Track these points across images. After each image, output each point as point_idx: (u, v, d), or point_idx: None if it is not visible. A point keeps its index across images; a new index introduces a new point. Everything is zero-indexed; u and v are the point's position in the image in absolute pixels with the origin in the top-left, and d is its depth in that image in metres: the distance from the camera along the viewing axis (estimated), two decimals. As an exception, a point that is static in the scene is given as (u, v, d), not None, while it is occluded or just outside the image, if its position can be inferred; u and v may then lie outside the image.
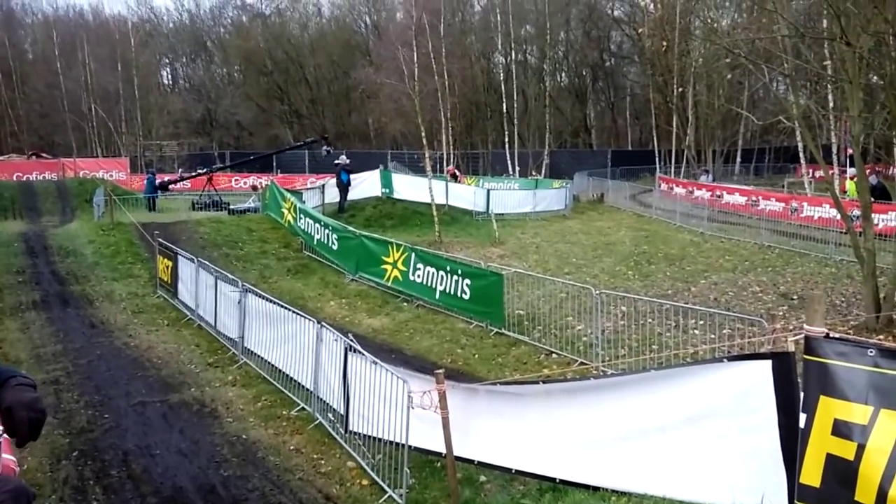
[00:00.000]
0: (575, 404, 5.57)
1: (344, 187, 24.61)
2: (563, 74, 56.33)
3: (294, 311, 9.74)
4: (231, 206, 26.42)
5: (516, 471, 6.12)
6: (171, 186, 33.54)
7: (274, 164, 43.26)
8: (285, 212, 21.01)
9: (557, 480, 5.69)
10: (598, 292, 10.72)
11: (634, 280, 15.69)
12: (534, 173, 42.95)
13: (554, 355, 10.89)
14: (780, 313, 12.11)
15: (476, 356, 11.20)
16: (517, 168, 45.12)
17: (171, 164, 45.74)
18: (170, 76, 64.26)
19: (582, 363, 10.26)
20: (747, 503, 4.32)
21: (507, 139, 46.40)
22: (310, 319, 9.18)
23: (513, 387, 6.68)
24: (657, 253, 18.88)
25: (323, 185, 25.90)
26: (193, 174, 34.19)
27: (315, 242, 18.50)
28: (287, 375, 9.61)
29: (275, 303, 10.33)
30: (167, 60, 63.23)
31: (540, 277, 13.46)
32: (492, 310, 12.30)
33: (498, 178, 38.37)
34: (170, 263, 14.72)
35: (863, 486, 3.81)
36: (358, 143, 54.35)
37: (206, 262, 13.45)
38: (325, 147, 31.99)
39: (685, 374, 4.96)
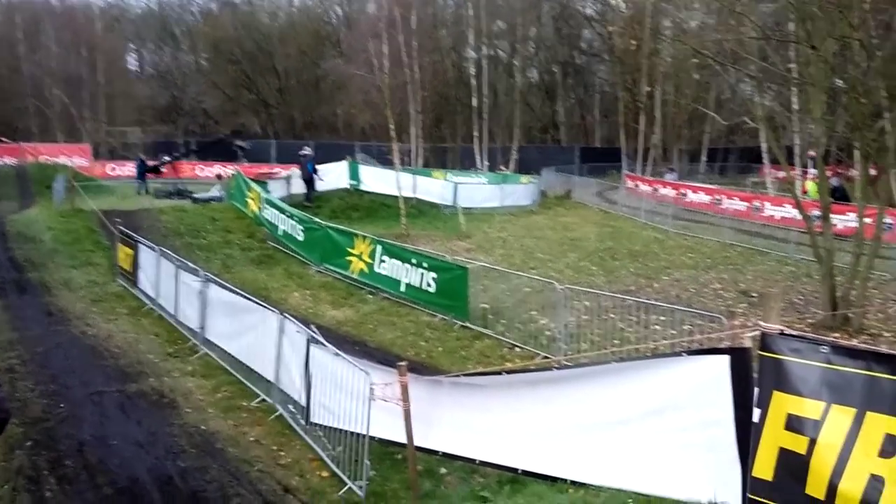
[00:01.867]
0: (537, 396, 5.61)
1: (310, 178, 24.39)
2: (534, 70, 56.46)
3: (256, 302, 9.64)
4: (195, 195, 26.07)
5: (480, 461, 6.13)
6: (161, 170, 32.87)
7: (239, 153, 42.76)
8: (250, 202, 20.81)
9: (519, 471, 5.72)
10: (562, 287, 10.77)
11: (599, 276, 15.80)
12: (502, 168, 43.04)
13: (517, 349, 10.95)
14: (740, 310, 12.31)
15: (440, 349, 11.20)
16: (486, 162, 45.18)
17: (134, 151, 44.92)
18: (136, 62, 63.12)
19: (545, 357, 10.32)
20: (701, 496, 4.38)
21: (476, 133, 46.38)
22: (272, 310, 9.10)
23: (476, 378, 6.69)
24: (622, 249, 19.05)
25: (289, 176, 25.69)
26: (175, 157, 33.77)
27: (280, 233, 18.35)
28: (248, 366, 9.52)
29: (237, 293, 10.22)
30: (133, 46, 62.07)
31: (505, 272, 13.50)
32: (456, 303, 12.32)
33: (466, 173, 38.34)
34: (130, 252, 14.48)
35: (813, 480, 3.89)
36: (326, 135, 53.91)
37: (168, 251, 13.26)
38: (237, 142, 31.62)
39: (645, 367, 5.02)
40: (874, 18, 12.73)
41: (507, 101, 49.41)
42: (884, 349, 7.30)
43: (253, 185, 21.64)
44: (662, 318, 10.45)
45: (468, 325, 12.03)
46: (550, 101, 56.11)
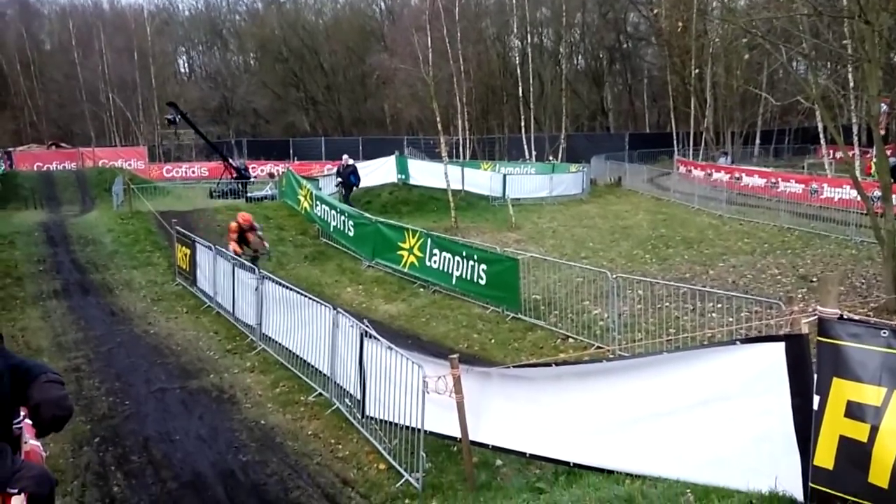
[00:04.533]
0: (587, 388, 5.57)
1: (350, 187, 24.06)
2: (580, 57, 55.83)
3: (311, 298, 9.81)
4: (249, 194, 26.54)
5: (530, 455, 6.14)
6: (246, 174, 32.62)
7: (291, 151, 43.48)
8: (302, 199, 21.09)
9: (571, 464, 5.70)
10: (614, 276, 10.70)
11: (652, 264, 15.63)
12: (551, 157, 42.75)
13: (570, 340, 10.91)
14: (799, 296, 12.02)
15: (492, 341, 11.23)
16: (534, 152, 44.91)
17: (188, 153, 46.04)
18: (186, 65, 64.46)
19: (598, 347, 10.25)
20: (761, 485, 4.32)
21: (523, 123, 46.10)
22: (326, 306, 9.25)
23: (525, 370, 6.69)
24: (675, 236, 18.77)
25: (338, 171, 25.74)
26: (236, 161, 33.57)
27: (332, 229, 18.57)
28: (304, 361, 9.70)
29: (292, 289, 10.41)
30: (183, 49, 63.37)
31: (556, 262, 13.43)
32: (508, 295, 12.31)
33: (514, 163, 38.17)
34: (188, 251, 14.84)
35: (876, 468, 3.80)
36: (374, 129, 54.33)
37: (224, 250, 13.55)
38: (168, 115, 30.97)
39: (698, 356, 4.94)
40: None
41: (553, 90, 48.98)
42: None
43: (304, 182, 21.92)
44: (719, 305, 10.31)
45: (520, 316, 12.02)
46: (598, 87, 55.48)
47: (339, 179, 23.80)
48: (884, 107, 22.24)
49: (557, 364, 6.75)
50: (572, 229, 20.61)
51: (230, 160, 32.64)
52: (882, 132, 14.91)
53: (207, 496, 6.97)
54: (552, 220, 22.41)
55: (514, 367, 7.17)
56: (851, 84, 25.11)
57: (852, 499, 3.88)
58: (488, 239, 18.46)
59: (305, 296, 9.97)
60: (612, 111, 56.02)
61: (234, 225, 14.69)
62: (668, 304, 10.81)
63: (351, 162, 24.24)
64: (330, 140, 47.89)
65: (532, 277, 12.82)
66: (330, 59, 57.96)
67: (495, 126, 50.43)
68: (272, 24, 58.93)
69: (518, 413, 6.27)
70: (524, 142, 45.81)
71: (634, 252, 16.93)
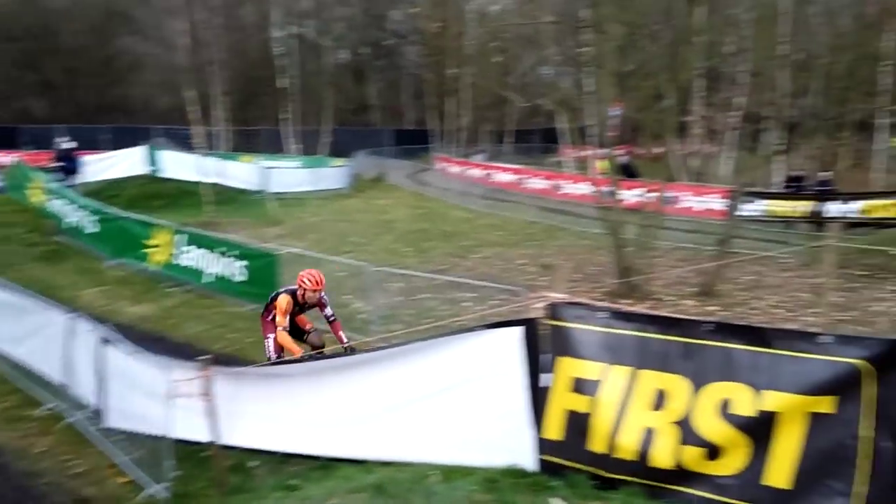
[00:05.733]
0: (341, 381, 5.58)
1: (72, 172, 21.99)
2: (344, 52, 55.93)
3: (40, 301, 8.85)
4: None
5: (285, 453, 6.02)
6: None
7: (22, 139, 39.21)
8: (33, 192, 19.03)
9: (326, 458, 5.67)
10: (374, 269, 10.81)
11: (412, 257, 16.01)
12: (316, 152, 42.40)
13: (331, 333, 10.84)
14: (542, 283, 12.96)
15: (250, 340, 10.82)
16: (298, 146, 44.26)
17: None
18: None
19: (359, 340, 10.31)
20: (499, 461, 4.56)
21: (290, 116, 45.26)
22: (59, 309, 8.40)
23: (281, 367, 6.55)
24: (434, 230, 19.40)
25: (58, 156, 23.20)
26: None
27: (69, 225, 16.95)
28: (33, 373, 8.72)
29: (17, 292, 9.32)
30: None
31: (317, 257, 13.28)
32: (267, 291, 11.90)
33: (277, 156, 37.34)
34: None
35: (595, 436, 4.18)
36: (122, 118, 50.39)
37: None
38: None
39: (445, 344, 5.13)
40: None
41: (317, 83, 48.57)
42: (653, 311, 7.98)
43: (36, 173, 19.80)
44: (472, 294, 10.79)
45: (280, 312, 11.73)
46: (361, 83, 55.92)
47: (61, 164, 21.67)
48: (618, 110, 24.71)
49: (313, 358, 6.69)
50: (335, 224, 20.57)
51: None
52: (615, 133, 16.43)
53: None
54: (315, 215, 22.22)
55: (267, 364, 6.99)
56: (591, 89, 27.59)
57: (577, 465, 4.24)
58: (248, 234, 17.84)
59: (34, 299, 8.98)
60: (376, 107, 56.76)
61: (286, 300, 7.78)
62: (425, 294, 11.14)
63: (71, 145, 22.19)
64: (72, 129, 43.63)
65: (293, 273, 12.57)
66: (70, 41, 52.84)
67: (257, 118, 48.97)
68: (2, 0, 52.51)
69: (274, 412, 6.13)
70: (287, 135, 45.03)
71: (395, 245, 17.26)
